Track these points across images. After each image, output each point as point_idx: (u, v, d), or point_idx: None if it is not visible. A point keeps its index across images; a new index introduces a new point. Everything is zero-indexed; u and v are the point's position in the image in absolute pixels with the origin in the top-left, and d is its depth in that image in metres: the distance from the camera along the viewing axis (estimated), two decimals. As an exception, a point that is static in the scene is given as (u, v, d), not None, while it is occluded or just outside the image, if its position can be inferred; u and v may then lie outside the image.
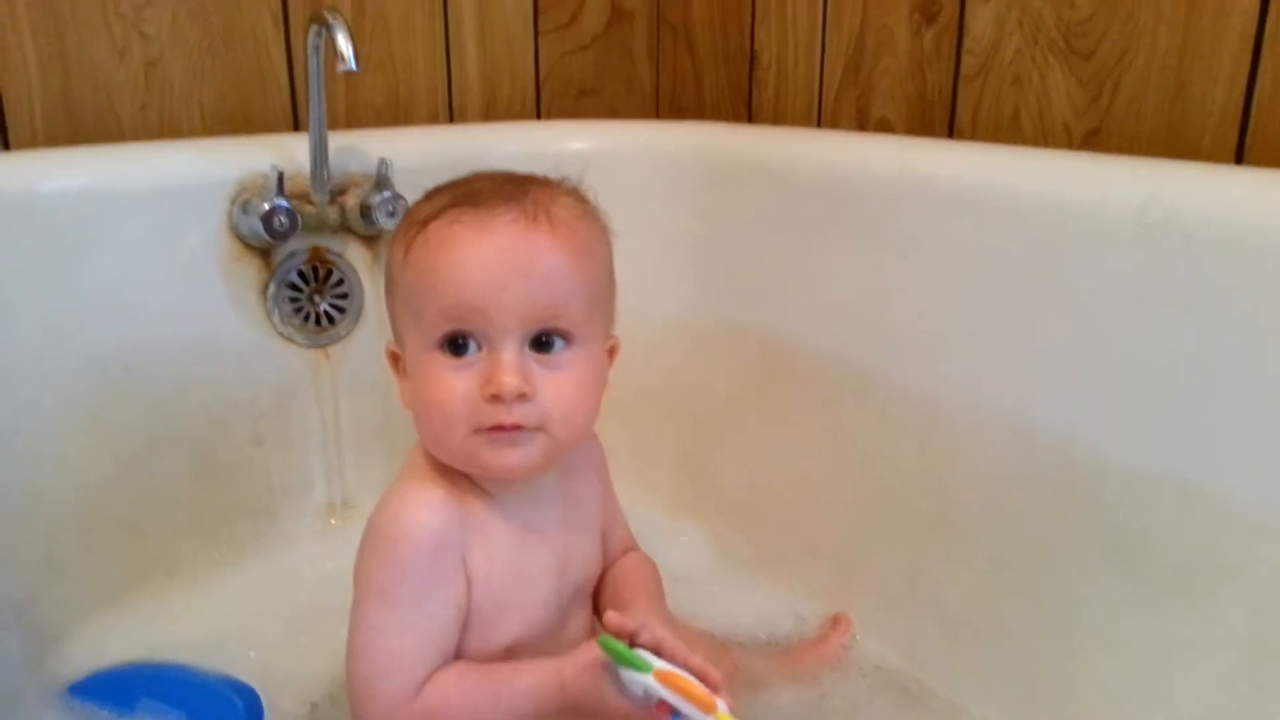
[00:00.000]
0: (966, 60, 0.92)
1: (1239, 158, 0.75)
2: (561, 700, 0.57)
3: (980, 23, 0.90)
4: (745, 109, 1.16)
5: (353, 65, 0.80)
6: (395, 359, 0.64)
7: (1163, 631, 0.66)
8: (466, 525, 0.61)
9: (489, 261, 0.57)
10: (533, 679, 0.58)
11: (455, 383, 0.58)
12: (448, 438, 0.59)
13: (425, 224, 0.59)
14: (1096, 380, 0.68)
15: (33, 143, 0.95)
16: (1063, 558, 0.71)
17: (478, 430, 0.58)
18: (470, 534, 0.61)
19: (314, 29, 0.85)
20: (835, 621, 0.87)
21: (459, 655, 0.61)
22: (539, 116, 1.22)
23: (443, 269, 0.57)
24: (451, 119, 1.16)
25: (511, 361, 0.57)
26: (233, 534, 0.93)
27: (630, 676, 0.54)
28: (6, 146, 0.94)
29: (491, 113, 1.18)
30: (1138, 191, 0.66)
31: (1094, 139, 0.83)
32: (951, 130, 0.94)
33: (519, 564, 0.63)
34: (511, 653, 0.62)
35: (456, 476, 0.62)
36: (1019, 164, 0.76)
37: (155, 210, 0.87)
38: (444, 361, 0.58)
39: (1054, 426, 0.71)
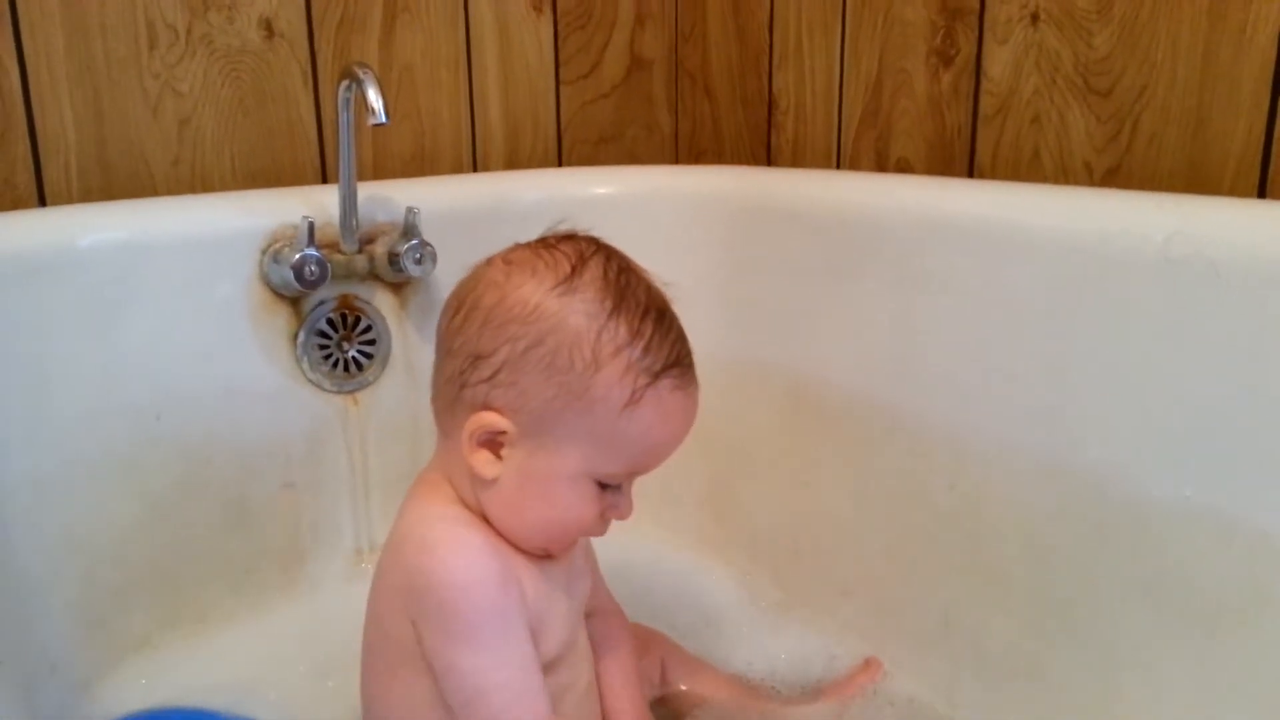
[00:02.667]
0: (985, 100, 0.93)
1: (1261, 193, 0.75)
2: None
3: (998, 64, 0.91)
4: (764, 152, 1.18)
5: (384, 119, 0.82)
6: (499, 436, 0.61)
7: (1205, 669, 0.65)
8: (508, 558, 0.63)
9: (682, 437, 0.64)
10: None
11: (590, 508, 0.63)
12: (545, 540, 0.64)
13: (657, 379, 0.60)
14: (1130, 415, 0.68)
15: (68, 198, 0.97)
16: (1100, 595, 0.70)
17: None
18: (510, 565, 0.63)
19: (344, 84, 0.87)
20: (866, 664, 0.86)
21: None
22: (560, 163, 1.24)
23: (657, 435, 0.62)
24: (475, 168, 1.18)
25: (632, 499, 0.65)
26: (262, 579, 0.94)
27: None
28: (43, 202, 0.96)
29: (514, 161, 1.20)
30: (1162, 226, 0.67)
31: (1114, 176, 0.84)
32: (971, 170, 0.95)
33: (543, 587, 0.65)
34: (550, 668, 0.64)
35: (480, 522, 0.64)
36: (1043, 201, 0.77)
37: (189, 261, 0.89)
38: (593, 492, 0.62)
39: (1087, 462, 0.71)
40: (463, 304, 0.62)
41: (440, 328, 0.64)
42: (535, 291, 0.60)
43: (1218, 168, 0.77)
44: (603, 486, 0.63)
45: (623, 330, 0.60)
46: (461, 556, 0.61)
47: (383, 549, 0.67)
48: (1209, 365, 0.64)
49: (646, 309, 0.61)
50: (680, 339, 0.63)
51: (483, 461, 0.61)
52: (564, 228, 0.65)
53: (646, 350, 0.60)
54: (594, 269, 0.61)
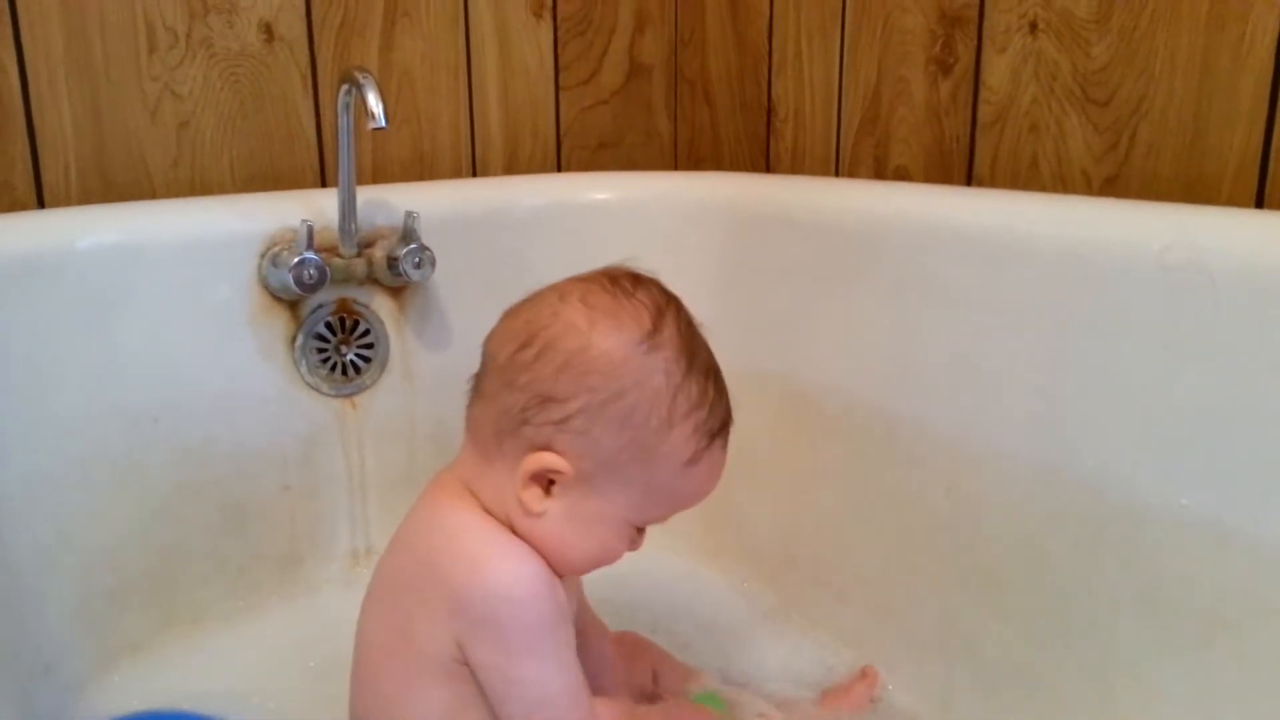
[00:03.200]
0: (983, 109, 0.93)
1: (1259, 203, 0.76)
2: None
3: (996, 73, 0.92)
4: (763, 159, 1.18)
5: (383, 123, 0.82)
6: (553, 475, 0.62)
7: (1201, 677, 0.65)
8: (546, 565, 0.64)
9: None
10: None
11: (623, 546, 0.65)
12: (570, 569, 0.65)
13: (713, 440, 0.63)
14: (1126, 422, 0.68)
15: (66, 200, 0.97)
16: (1096, 602, 0.70)
17: None
18: (549, 572, 0.64)
19: (344, 88, 0.87)
20: (863, 674, 0.86)
21: None
22: (559, 169, 1.24)
23: (702, 489, 0.65)
24: (474, 173, 1.18)
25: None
26: (259, 581, 0.94)
27: None
28: (41, 204, 0.96)
29: (513, 166, 1.20)
30: (1160, 235, 0.67)
31: (1112, 185, 0.84)
32: (970, 178, 0.95)
33: (561, 591, 0.65)
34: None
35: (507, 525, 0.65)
36: (1041, 209, 0.77)
37: (187, 264, 0.89)
38: (629, 533, 0.65)
39: (1084, 469, 0.71)
40: (534, 340, 0.61)
41: (501, 356, 0.62)
42: (621, 345, 0.60)
43: (1215, 178, 0.78)
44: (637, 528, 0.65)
45: (694, 392, 0.62)
46: (514, 569, 0.61)
47: (396, 557, 0.66)
48: (1206, 374, 0.64)
49: (708, 370, 0.64)
50: (728, 400, 0.66)
51: (532, 498, 0.62)
52: (628, 264, 0.65)
53: (711, 412, 0.63)
54: (671, 326, 0.62)
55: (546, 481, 0.62)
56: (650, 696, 0.78)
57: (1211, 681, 0.64)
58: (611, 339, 0.60)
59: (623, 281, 0.63)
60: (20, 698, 0.75)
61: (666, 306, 0.63)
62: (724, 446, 0.65)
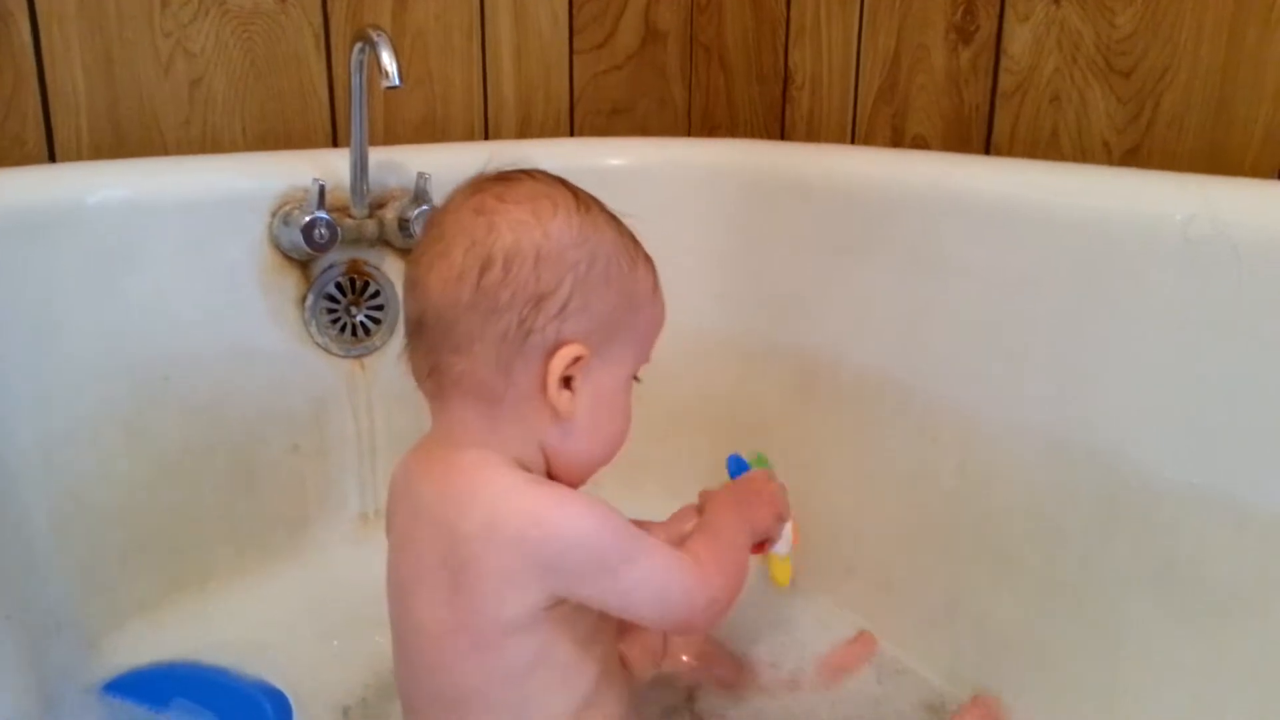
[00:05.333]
0: (1004, 78, 0.92)
1: (1283, 175, 0.75)
2: (743, 521, 0.73)
3: (1018, 42, 0.90)
4: (778, 127, 1.17)
5: (396, 81, 0.81)
6: (571, 371, 0.62)
7: (1213, 655, 0.64)
8: None
9: None
10: (720, 519, 0.72)
11: (630, 406, 0.67)
12: (607, 458, 0.67)
13: (652, 264, 0.66)
14: (1144, 397, 0.68)
15: (77, 155, 0.96)
16: (1109, 578, 0.70)
17: None
18: None
19: (357, 46, 0.86)
20: (859, 637, 0.87)
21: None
22: (572, 134, 1.23)
23: (664, 313, 0.67)
24: (487, 136, 1.17)
25: None
26: (268, 542, 0.94)
27: None
28: (52, 159, 0.95)
29: (526, 130, 1.19)
30: (1182, 207, 0.66)
31: (1134, 156, 0.83)
32: (988, 148, 0.94)
33: None
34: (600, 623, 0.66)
35: (547, 476, 0.65)
36: (1061, 180, 0.76)
37: (198, 222, 0.88)
38: (633, 388, 0.67)
39: (1099, 445, 0.70)
40: (492, 258, 0.60)
41: (463, 294, 0.60)
42: (569, 218, 0.62)
43: (1239, 149, 0.76)
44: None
45: (626, 230, 0.65)
46: (571, 508, 0.61)
47: (432, 538, 0.63)
48: (1226, 349, 0.64)
49: (607, 210, 0.66)
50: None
51: (565, 401, 0.62)
52: (493, 166, 0.65)
53: (633, 238, 0.66)
54: (574, 187, 0.65)
55: (566, 379, 0.62)
56: (662, 662, 0.79)
57: (1223, 658, 0.64)
58: (560, 216, 0.61)
59: (511, 174, 0.64)
60: (32, 655, 0.76)
61: (557, 177, 0.65)
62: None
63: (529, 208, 0.61)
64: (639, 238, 0.66)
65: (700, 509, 0.75)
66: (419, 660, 0.65)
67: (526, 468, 0.63)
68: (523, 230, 0.60)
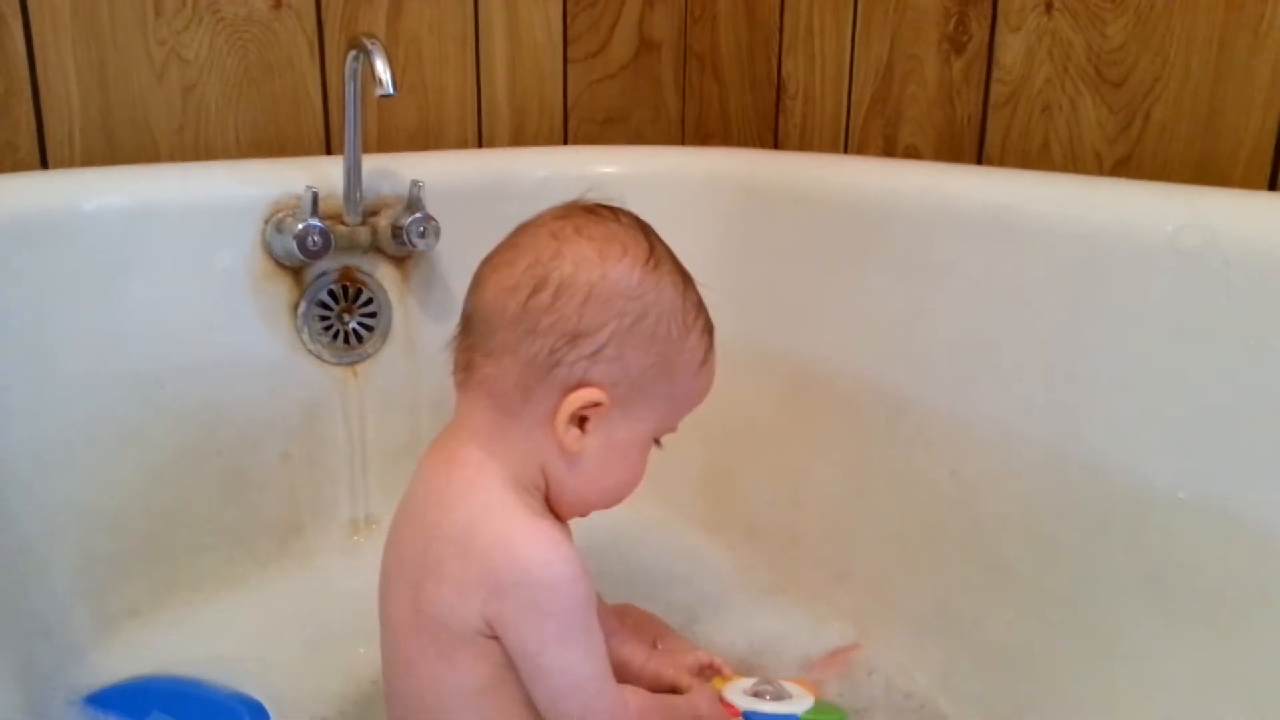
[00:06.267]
0: (996, 89, 0.92)
1: (1273, 185, 0.75)
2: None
3: (1010, 52, 0.91)
4: (771, 137, 1.17)
5: (391, 89, 0.81)
6: (591, 410, 0.62)
7: (1204, 664, 0.64)
8: (572, 543, 0.64)
9: None
10: (683, 707, 0.70)
11: (645, 464, 0.67)
12: (604, 504, 0.66)
13: (711, 338, 0.67)
14: (1135, 406, 0.68)
15: (70, 162, 0.96)
16: (1100, 586, 0.70)
17: None
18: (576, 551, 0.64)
19: (352, 54, 0.87)
20: (836, 653, 0.87)
21: None
22: (566, 143, 1.23)
23: (707, 390, 0.68)
24: (480, 144, 1.17)
25: None
26: (258, 549, 0.94)
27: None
28: (45, 165, 0.95)
29: (520, 139, 1.20)
30: (1173, 217, 0.66)
31: (1125, 166, 0.84)
32: (980, 158, 0.94)
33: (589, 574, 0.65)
34: None
35: (540, 506, 0.64)
36: (1052, 189, 0.76)
37: (191, 229, 0.88)
38: (651, 451, 0.67)
39: (1091, 453, 0.70)
40: (546, 282, 0.60)
41: (510, 308, 0.61)
42: (633, 267, 0.62)
43: (1229, 160, 0.77)
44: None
45: (695, 298, 0.65)
46: (551, 552, 0.60)
47: (415, 534, 0.64)
48: (1216, 358, 0.64)
49: (691, 278, 0.66)
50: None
51: (573, 438, 0.62)
52: (592, 197, 0.66)
53: (706, 316, 0.66)
54: (659, 243, 0.65)
55: (580, 419, 0.62)
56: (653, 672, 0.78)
57: (1216, 668, 0.64)
58: (624, 263, 0.61)
59: (601, 210, 0.64)
60: (20, 660, 0.75)
61: (649, 227, 0.65)
62: (714, 346, 0.68)
63: (598, 246, 0.61)
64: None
65: (687, 676, 0.74)
66: (391, 656, 0.66)
67: (522, 484, 0.63)
68: (583, 266, 0.61)
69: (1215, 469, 0.64)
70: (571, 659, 0.61)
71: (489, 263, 0.64)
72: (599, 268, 0.61)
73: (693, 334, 0.64)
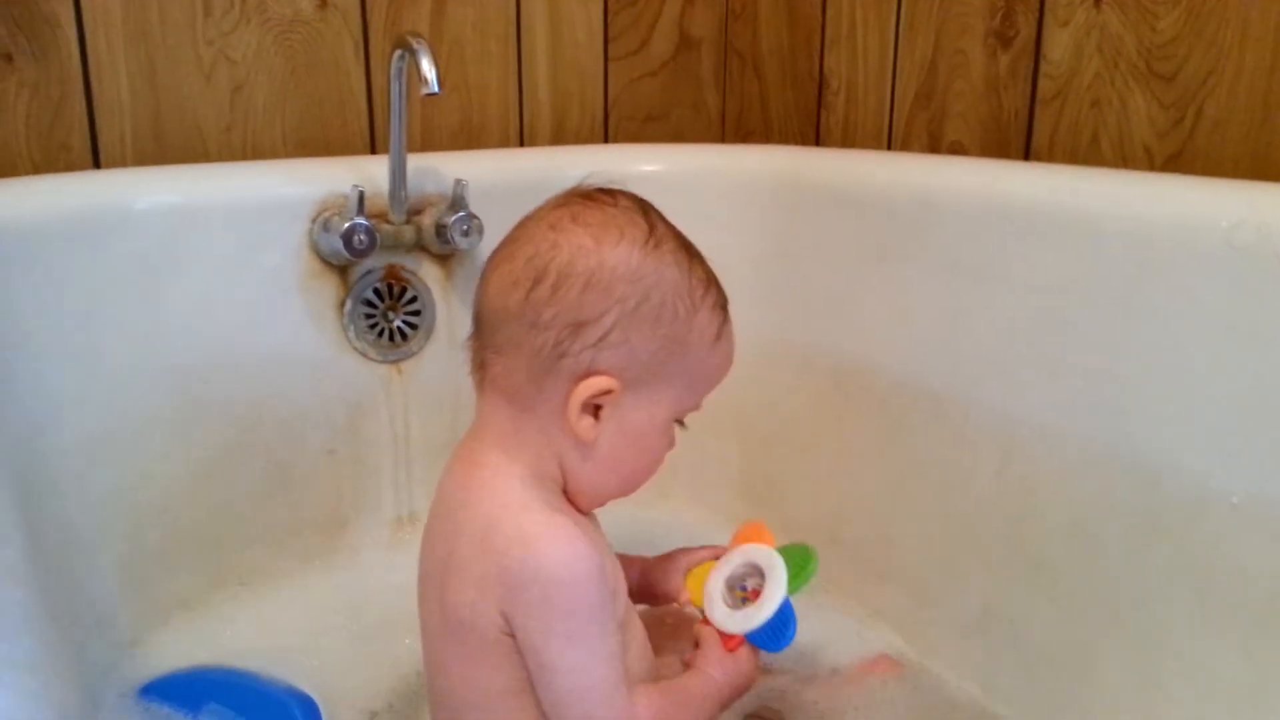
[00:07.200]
0: (1043, 84, 0.91)
1: (1331, 181, 0.73)
2: (724, 688, 0.66)
3: (1058, 47, 0.89)
4: (813, 133, 1.16)
5: (435, 88, 0.82)
6: (603, 397, 0.61)
7: (1255, 668, 0.63)
8: (593, 540, 0.63)
9: None
10: (698, 684, 0.66)
11: (667, 447, 0.66)
12: (624, 491, 0.66)
13: (725, 312, 0.66)
14: (1187, 407, 0.67)
15: (122, 162, 0.98)
16: (1149, 589, 0.69)
17: None
18: (598, 548, 0.63)
19: (397, 54, 0.87)
20: (879, 660, 0.86)
21: None
22: (606, 141, 1.23)
23: (727, 362, 0.67)
24: (522, 142, 1.18)
25: None
26: (303, 544, 0.95)
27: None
28: (97, 165, 0.97)
29: (561, 137, 1.20)
30: (1227, 213, 0.65)
31: (1176, 162, 0.82)
32: (1028, 153, 0.93)
33: (608, 558, 0.65)
34: (623, 630, 0.65)
35: (559, 500, 0.64)
36: (1101, 186, 0.75)
37: (239, 228, 0.90)
38: (671, 430, 0.66)
39: (1141, 454, 0.69)
40: (546, 273, 0.60)
41: (512, 302, 0.61)
42: (632, 250, 0.61)
43: (1286, 156, 0.75)
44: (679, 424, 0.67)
45: (702, 273, 0.64)
46: (566, 550, 0.60)
47: (442, 536, 0.65)
48: (1271, 359, 0.63)
49: (699, 253, 0.65)
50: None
51: (586, 427, 0.62)
52: (594, 181, 0.65)
53: (717, 288, 0.65)
54: (660, 221, 0.64)
55: (594, 407, 0.62)
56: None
57: (1265, 673, 0.63)
58: (622, 247, 0.61)
59: (598, 195, 0.64)
60: (73, 651, 0.77)
61: (648, 206, 0.64)
62: (730, 321, 0.67)
63: (595, 232, 0.61)
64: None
65: (697, 640, 0.69)
66: (428, 658, 0.67)
67: (541, 479, 0.63)
68: (580, 254, 0.60)
69: (1269, 472, 0.63)
70: (580, 659, 0.60)
71: (491, 259, 0.64)
72: (596, 254, 0.60)
73: (702, 310, 0.63)
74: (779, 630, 0.67)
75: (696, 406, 0.66)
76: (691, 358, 0.63)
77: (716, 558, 0.72)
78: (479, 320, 0.64)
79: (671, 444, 0.67)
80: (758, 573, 0.70)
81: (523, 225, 0.64)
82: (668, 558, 0.75)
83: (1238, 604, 0.64)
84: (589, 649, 0.60)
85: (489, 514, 0.62)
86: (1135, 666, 0.70)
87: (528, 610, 0.59)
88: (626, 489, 0.66)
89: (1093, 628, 0.73)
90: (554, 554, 0.59)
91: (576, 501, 0.65)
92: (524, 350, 0.61)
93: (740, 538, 0.72)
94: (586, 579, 0.60)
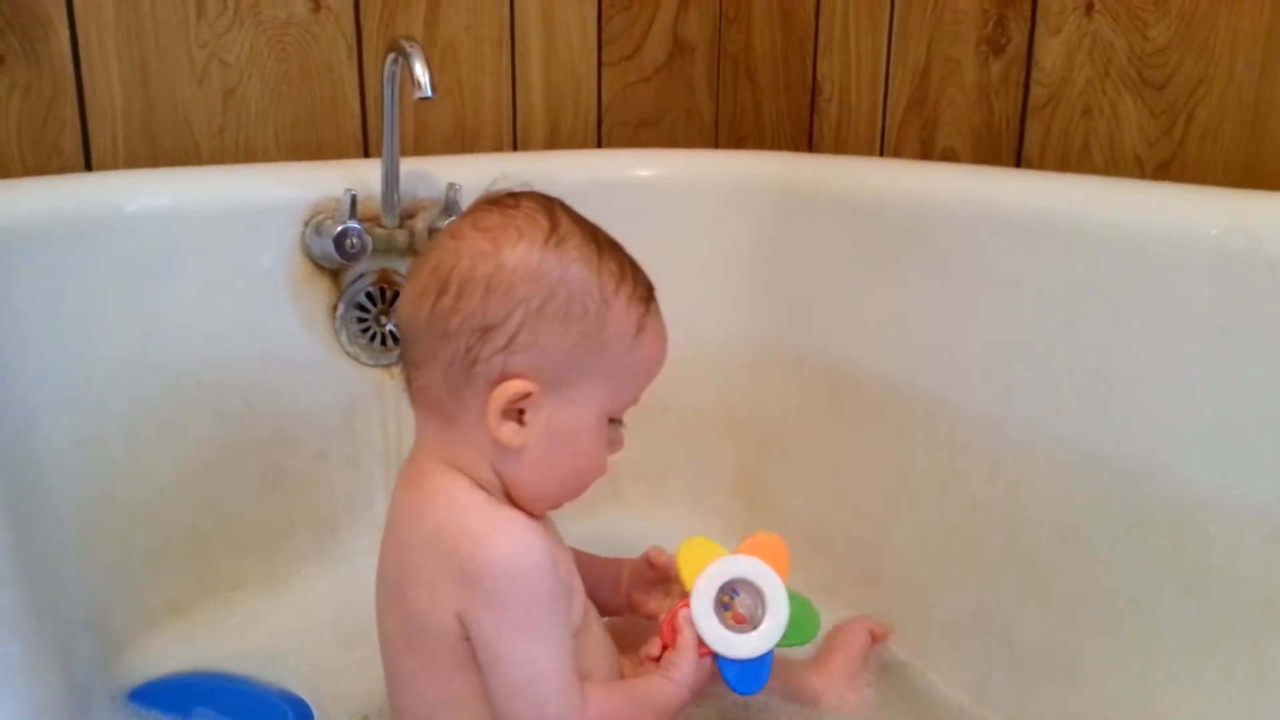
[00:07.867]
0: (1035, 91, 0.92)
1: (1319, 189, 0.74)
2: (686, 698, 0.66)
3: (1050, 54, 0.90)
4: (806, 140, 1.17)
5: (429, 92, 0.82)
6: (523, 401, 0.61)
7: (1246, 671, 0.64)
8: (544, 534, 0.63)
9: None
10: (661, 688, 0.65)
11: (605, 448, 0.65)
12: (566, 495, 0.65)
13: (647, 303, 0.64)
14: (1177, 411, 0.67)
15: (113, 164, 0.98)
16: (1141, 591, 0.69)
17: None
18: (547, 541, 0.63)
19: (390, 57, 0.87)
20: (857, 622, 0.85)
21: None
22: (600, 145, 1.23)
23: (657, 355, 0.65)
24: (515, 147, 1.18)
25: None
26: (295, 547, 0.95)
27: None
28: (89, 167, 0.97)
29: (554, 141, 1.20)
30: (1216, 221, 0.66)
31: (1167, 170, 0.83)
32: (1019, 160, 0.94)
33: (559, 549, 0.66)
34: (580, 632, 0.65)
35: (505, 503, 0.64)
36: (1092, 193, 0.76)
37: (232, 230, 0.89)
38: (610, 432, 0.65)
39: (1131, 457, 0.70)
40: (448, 283, 0.61)
41: (421, 315, 0.62)
42: (531, 249, 0.61)
43: (1275, 163, 0.76)
44: (616, 424, 0.66)
45: (614, 267, 0.63)
46: (518, 541, 0.60)
47: (395, 548, 0.65)
48: (1260, 363, 0.63)
49: (613, 245, 0.65)
50: (640, 267, 0.66)
51: (510, 433, 0.61)
52: (500, 185, 0.66)
53: (635, 280, 0.64)
54: (565, 218, 0.63)
55: (517, 412, 0.62)
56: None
57: (1259, 674, 0.63)
58: (520, 247, 0.61)
59: (503, 199, 0.64)
60: (62, 654, 0.76)
61: (553, 204, 0.64)
62: (658, 311, 0.66)
63: (492, 237, 0.61)
64: (646, 266, 0.64)
65: (669, 639, 0.67)
66: (389, 671, 0.67)
67: (484, 486, 0.63)
68: (479, 260, 0.61)
69: (1258, 475, 0.63)
70: (531, 652, 0.60)
71: (406, 274, 0.65)
72: (494, 258, 0.60)
73: (615, 304, 0.62)
74: (753, 673, 0.66)
75: (633, 401, 0.66)
76: (611, 353, 0.62)
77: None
78: (399, 335, 0.65)
79: (615, 444, 0.66)
80: (757, 596, 0.69)
81: (434, 238, 0.65)
82: (647, 581, 0.74)
83: (1228, 607, 0.65)
84: (542, 641, 0.60)
85: (436, 519, 0.62)
86: (1127, 669, 0.70)
87: (481, 604, 0.60)
88: (570, 491, 0.66)
89: (1084, 631, 0.73)
90: (504, 546, 0.60)
91: (526, 508, 0.65)
92: (439, 361, 0.62)
93: (754, 548, 0.70)
94: (538, 569, 0.60)
